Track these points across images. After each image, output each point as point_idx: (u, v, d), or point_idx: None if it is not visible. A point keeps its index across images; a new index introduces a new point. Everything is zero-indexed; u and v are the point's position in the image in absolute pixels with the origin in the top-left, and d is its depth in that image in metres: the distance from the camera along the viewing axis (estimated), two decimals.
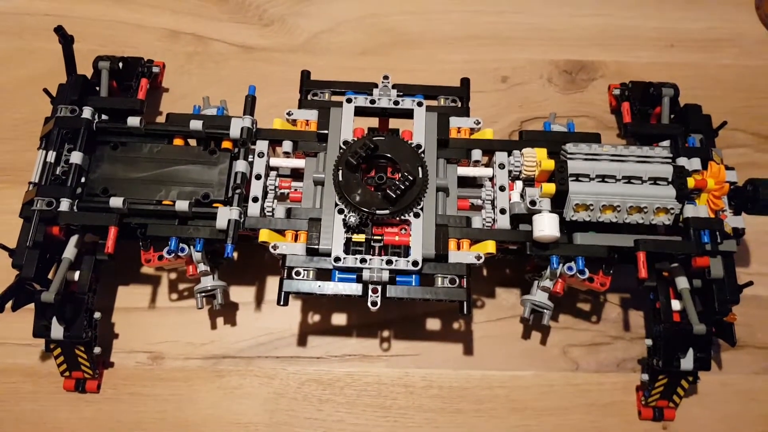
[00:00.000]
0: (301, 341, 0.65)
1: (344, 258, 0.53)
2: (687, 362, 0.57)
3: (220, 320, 0.65)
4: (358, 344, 0.65)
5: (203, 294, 0.59)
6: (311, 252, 0.54)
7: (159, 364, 0.63)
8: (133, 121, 0.59)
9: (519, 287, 0.67)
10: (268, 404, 0.62)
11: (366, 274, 0.53)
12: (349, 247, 0.55)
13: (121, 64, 0.67)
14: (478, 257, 0.55)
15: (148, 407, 0.62)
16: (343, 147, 0.57)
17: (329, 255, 0.54)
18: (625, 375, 0.65)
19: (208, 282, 0.59)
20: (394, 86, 0.62)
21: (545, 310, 0.58)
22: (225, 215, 0.54)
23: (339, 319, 0.66)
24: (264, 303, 0.66)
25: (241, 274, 0.67)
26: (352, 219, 0.54)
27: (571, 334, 0.66)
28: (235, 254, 0.68)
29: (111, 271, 0.64)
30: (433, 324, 0.66)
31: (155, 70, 0.71)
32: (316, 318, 0.66)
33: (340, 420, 0.62)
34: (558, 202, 0.55)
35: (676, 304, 0.59)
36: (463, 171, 0.60)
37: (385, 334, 0.65)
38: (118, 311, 0.66)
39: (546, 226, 0.54)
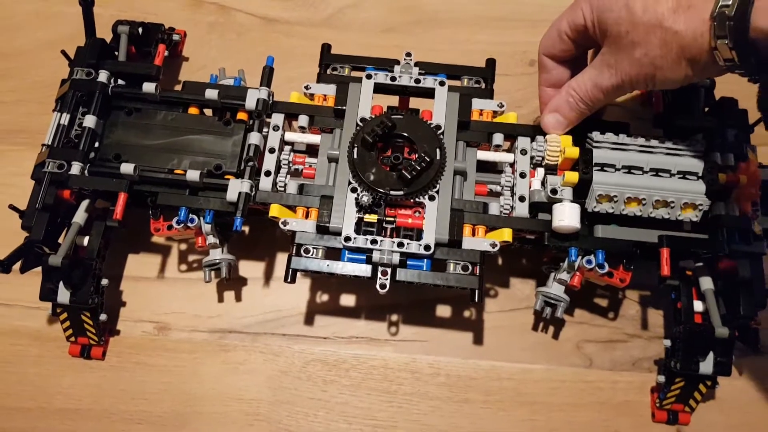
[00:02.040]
0: (308, 320, 0.64)
1: (355, 238, 0.52)
2: (706, 366, 0.55)
3: (228, 294, 0.65)
4: (366, 327, 0.64)
5: (211, 267, 0.58)
6: (321, 230, 0.53)
7: (165, 335, 0.63)
8: (149, 87, 0.58)
9: (535, 278, 0.65)
10: (272, 382, 0.61)
11: (376, 256, 0.52)
12: (361, 227, 0.53)
13: (140, 30, 0.66)
14: (494, 245, 0.53)
15: (151, 377, 0.61)
16: (360, 124, 0.55)
17: (339, 234, 0.52)
18: (641, 375, 0.63)
19: (216, 255, 0.58)
20: (416, 64, 0.60)
21: (559, 303, 0.56)
22: (236, 188, 0.53)
23: (348, 300, 0.65)
24: (273, 279, 0.65)
25: (251, 249, 0.66)
26: (365, 198, 0.52)
27: (586, 329, 0.64)
28: (246, 228, 0.67)
29: (121, 238, 0.64)
30: (444, 311, 0.64)
31: (175, 38, 0.70)
32: (325, 298, 0.65)
33: (344, 402, 0.61)
34: (580, 192, 0.53)
35: (698, 305, 0.56)
36: (483, 155, 0.58)
37: (394, 318, 0.64)
38: (126, 279, 0.65)
39: (566, 216, 0.52)
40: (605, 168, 0.53)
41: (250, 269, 0.65)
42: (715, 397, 0.62)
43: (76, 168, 0.55)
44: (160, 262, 0.66)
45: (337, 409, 0.61)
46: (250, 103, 0.57)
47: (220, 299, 0.64)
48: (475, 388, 0.62)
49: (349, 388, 0.61)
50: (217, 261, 0.58)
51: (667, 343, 0.57)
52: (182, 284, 0.65)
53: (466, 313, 0.64)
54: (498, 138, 0.57)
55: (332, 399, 0.61)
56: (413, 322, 0.64)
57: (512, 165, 0.57)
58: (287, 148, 0.58)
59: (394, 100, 0.61)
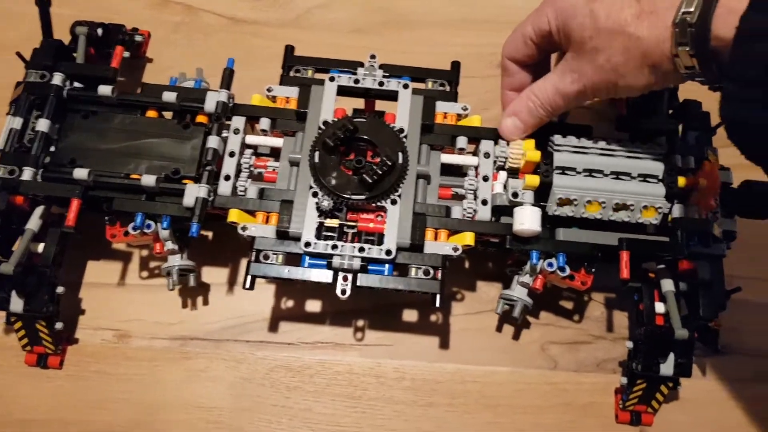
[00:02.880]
0: (273, 326, 0.63)
1: (315, 243, 0.51)
2: (667, 367, 0.55)
3: (190, 301, 0.63)
4: (331, 332, 0.63)
5: (170, 274, 0.57)
6: (281, 235, 0.52)
7: (125, 343, 0.62)
8: (104, 89, 0.56)
9: (501, 281, 0.65)
10: (234, 389, 0.60)
11: (336, 261, 0.51)
12: (321, 232, 0.52)
13: (100, 31, 0.65)
14: (456, 249, 0.53)
15: (111, 386, 0.60)
16: (322, 127, 0.55)
17: (299, 239, 0.51)
18: (605, 376, 0.63)
19: (175, 261, 0.57)
20: (381, 66, 0.59)
21: (516, 303, 0.56)
22: (193, 192, 0.52)
23: (313, 305, 0.64)
24: (236, 285, 0.64)
25: (216, 254, 0.65)
26: (325, 203, 0.52)
27: (552, 331, 0.64)
28: (210, 234, 0.66)
29: (81, 244, 0.62)
30: (410, 315, 0.64)
31: (138, 38, 0.68)
32: (290, 303, 0.64)
33: (308, 408, 0.60)
34: (542, 196, 0.53)
35: (660, 307, 0.56)
36: (447, 158, 0.57)
37: (360, 322, 0.63)
38: (86, 286, 0.64)
39: (527, 220, 0.52)
40: (566, 171, 0.53)
41: (214, 275, 0.64)
42: (679, 397, 0.62)
43: (28, 173, 0.53)
44: (121, 268, 0.64)
45: (300, 415, 0.60)
46: (210, 105, 0.56)
47: (183, 305, 0.63)
48: (440, 392, 0.61)
49: (313, 394, 0.61)
50: (177, 267, 0.57)
51: (630, 344, 0.57)
52: (143, 291, 0.64)
53: (432, 317, 0.64)
54: (461, 141, 0.57)
55: (295, 405, 0.60)
56: (379, 327, 0.63)
57: (476, 168, 0.57)
58: (249, 151, 0.57)
59: (360, 103, 0.60)
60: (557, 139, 0.53)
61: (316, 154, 0.53)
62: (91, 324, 0.62)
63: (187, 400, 0.60)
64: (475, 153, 0.58)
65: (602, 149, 0.53)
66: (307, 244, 0.51)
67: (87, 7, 0.75)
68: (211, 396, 0.60)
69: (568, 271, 0.54)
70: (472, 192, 0.56)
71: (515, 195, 0.53)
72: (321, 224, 0.52)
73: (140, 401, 0.60)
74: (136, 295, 0.63)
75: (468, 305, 0.65)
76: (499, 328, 0.64)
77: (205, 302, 0.63)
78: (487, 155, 0.56)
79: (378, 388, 0.61)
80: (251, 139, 0.57)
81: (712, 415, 0.62)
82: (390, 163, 0.52)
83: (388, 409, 0.61)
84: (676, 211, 0.53)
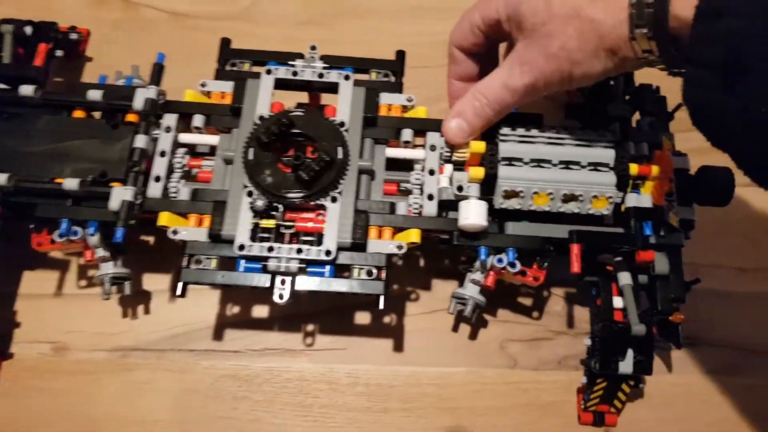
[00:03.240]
0: (218, 334, 0.60)
1: (250, 246, 0.48)
2: (626, 365, 0.53)
3: (131, 310, 0.60)
4: (280, 338, 0.60)
5: (103, 282, 0.54)
6: (214, 238, 0.49)
7: (63, 356, 0.59)
8: (26, 89, 0.53)
9: (458, 279, 0.63)
10: (178, 401, 0.57)
11: (272, 264, 0.48)
12: (257, 233, 0.50)
13: (29, 29, 0.61)
14: (400, 247, 0.50)
15: (49, 402, 0.57)
16: (258, 123, 0.52)
17: (233, 242, 0.49)
18: (567, 373, 0.61)
19: (108, 269, 0.54)
20: (322, 57, 0.56)
21: (467, 302, 0.53)
22: (118, 195, 0.49)
23: (260, 310, 0.61)
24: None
25: (157, 261, 0.62)
26: (259, 203, 0.49)
27: (511, 328, 0.62)
28: (152, 239, 0.63)
29: (15, 253, 0.59)
30: (363, 317, 0.61)
31: (74, 36, 0.65)
32: (236, 309, 0.61)
33: (256, 419, 0.57)
34: (488, 189, 0.50)
35: (618, 302, 0.54)
36: (392, 152, 0.55)
37: (310, 327, 0.61)
38: (21, 298, 0.61)
39: (471, 214, 0.49)
40: (513, 162, 0.50)
41: (156, 282, 0.61)
42: (644, 394, 0.60)
43: None
44: (58, 277, 0.61)
45: (248, 427, 0.57)
46: (138, 103, 0.53)
47: (124, 315, 0.60)
48: (394, 396, 0.59)
49: (262, 403, 0.58)
50: (111, 275, 0.54)
51: (588, 342, 0.55)
52: (82, 300, 0.60)
53: (386, 319, 0.61)
54: (407, 134, 0.54)
55: (243, 417, 0.57)
56: (330, 330, 0.61)
57: (423, 162, 0.54)
58: (182, 150, 0.54)
59: (306, 98, 0.57)
60: (504, 129, 0.51)
61: (250, 150, 0.50)
62: (27, 337, 0.59)
63: (129, 415, 0.57)
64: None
65: (550, 138, 0.50)
66: (242, 247, 0.48)
67: (25, 7, 0.71)
68: (154, 409, 0.57)
69: (519, 266, 0.51)
70: (418, 187, 0.53)
71: (460, 188, 0.50)
72: (256, 225, 0.49)
73: (80, 417, 0.57)
74: (75, 306, 0.60)
75: (423, 304, 0.62)
76: (455, 328, 0.62)
77: (147, 311, 0.60)
78: (433, 148, 0.53)
79: (330, 394, 0.59)
80: (185, 137, 0.54)
81: (681, 411, 0.60)
82: (328, 159, 0.49)
83: (340, 417, 0.58)
84: (630, 200, 0.51)
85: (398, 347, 0.61)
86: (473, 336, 0.61)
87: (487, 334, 0.62)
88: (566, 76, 0.44)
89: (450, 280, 0.63)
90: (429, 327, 0.61)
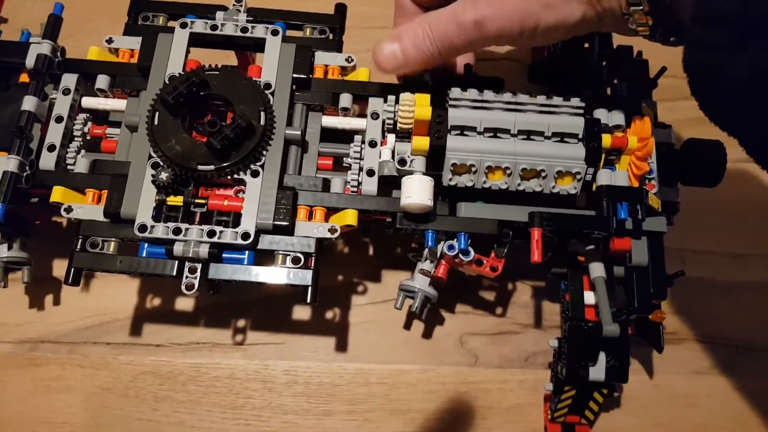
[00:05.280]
0: (138, 325, 0.53)
1: (153, 226, 0.41)
2: (597, 371, 0.46)
3: (39, 299, 0.54)
4: (208, 331, 0.54)
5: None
6: (112, 217, 0.42)
7: None
8: None
9: (411, 268, 0.56)
10: (92, 401, 0.51)
11: (178, 248, 0.41)
12: (162, 212, 0.42)
13: None
14: (333, 230, 0.43)
15: None
16: (167, 83, 0.44)
17: (133, 222, 0.41)
18: (535, 372, 0.54)
19: (2, 253, 0.47)
20: (248, 10, 0.48)
21: (416, 295, 0.46)
22: (1, 166, 0.42)
23: (186, 301, 0.54)
24: (94, 278, 0.54)
25: (71, 244, 0.55)
26: (164, 176, 0.41)
27: (471, 320, 0.55)
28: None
29: None
30: (303, 309, 0.55)
31: None
32: (158, 299, 0.54)
33: (179, 422, 0.51)
34: (436, 163, 0.43)
35: (590, 297, 0.47)
36: (328, 121, 0.47)
37: (243, 319, 0.54)
38: None
39: (414, 192, 0.42)
40: (466, 132, 0.43)
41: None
42: (623, 395, 0.54)
43: None
44: None
45: (170, 430, 0.51)
46: (30, 60, 0.45)
47: (31, 305, 0.54)
48: (338, 397, 0.52)
49: (186, 404, 0.51)
50: (5, 260, 0.47)
51: (554, 343, 0.48)
52: None
53: (329, 313, 0.54)
54: (345, 99, 0.46)
55: (164, 419, 0.51)
56: (266, 323, 0.54)
57: (363, 132, 0.47)
58: (83, 116, 0.46)
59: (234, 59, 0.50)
60: (454, 92, 0.43)
61: (156, 115, 0.43)
62: None
63: (34, 416, 0.51)
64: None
65: (509, 103, 0.43)
66: (143, 228, 0.41)
67: None
68: (63, 410, 0.51)
69: (473, 254, 0.44)
70: (357, 161, 0.46)
71: (402, 162, 0.43)
72: (162, 203, 0.42)
73: None
74: None
75: (371, 295, 0.55)
76: (407, 325, 0.55)
77: (57, 300, 0.54)
78: (375, 116, 0.46)
79: (265, 395, 0.52)
80: (88, 101, 0.47)
81: (663, 416, 0.54)
82: (245, 125, 0.42)
83: (276, 420, 0.52)
84: (602, 178, 0.43)
85: (342, 342, 0.54)
86: (429, 329, 0.55)
87: (445, 327, 0.55)
88: (531, 23, 0.37)
89: (402, 271, 0.56)
90: (378, 319, 0.55)
